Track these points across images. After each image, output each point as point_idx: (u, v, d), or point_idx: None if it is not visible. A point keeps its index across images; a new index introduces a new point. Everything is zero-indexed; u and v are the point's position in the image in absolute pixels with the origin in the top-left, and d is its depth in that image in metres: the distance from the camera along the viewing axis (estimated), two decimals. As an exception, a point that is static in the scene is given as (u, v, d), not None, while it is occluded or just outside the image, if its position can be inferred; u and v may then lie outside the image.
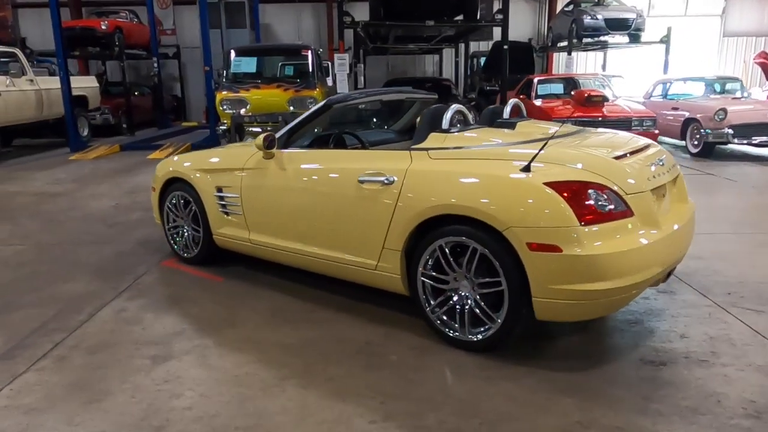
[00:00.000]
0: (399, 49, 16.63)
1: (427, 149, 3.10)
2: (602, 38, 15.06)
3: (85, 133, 12.91)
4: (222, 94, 9.65)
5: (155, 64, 15.56)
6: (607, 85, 10.54)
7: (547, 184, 2.60)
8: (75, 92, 12.44)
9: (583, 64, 19.35)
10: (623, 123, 8.87)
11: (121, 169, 9.30)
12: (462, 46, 17.78)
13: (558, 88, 10.54)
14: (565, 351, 2.97)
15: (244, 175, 3.81)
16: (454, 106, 3.34)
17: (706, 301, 3.56)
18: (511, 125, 3.59)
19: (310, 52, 10.18)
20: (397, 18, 8.86)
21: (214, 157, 4.13)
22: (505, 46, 8.93)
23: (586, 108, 9.15)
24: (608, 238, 2.59)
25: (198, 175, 4.11)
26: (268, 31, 18.91)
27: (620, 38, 15.08)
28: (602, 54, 18.60)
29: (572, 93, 9.82)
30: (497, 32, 18.37)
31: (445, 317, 3.00)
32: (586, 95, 9.24)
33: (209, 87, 11.01)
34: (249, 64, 10.08)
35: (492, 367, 2.81)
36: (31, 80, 11.10)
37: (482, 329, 2.87)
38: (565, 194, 2.58)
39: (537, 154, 2.72)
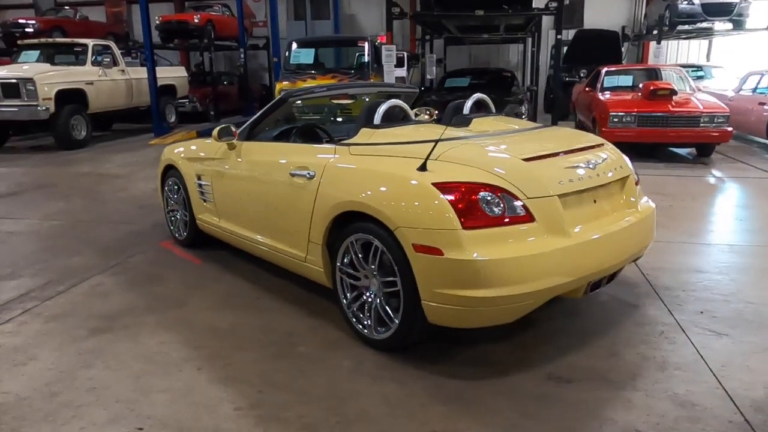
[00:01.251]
0: (479, 38, 16.26)
1: (350, 144, 3.09)
2: (701, 25, 13.79)
3: (173, 119, 13.96)
4: (281, 84, 10.02)
5: (242, 55, 16.40)
6: (684, 77, 9.66)
7: (435, 184, 2.52)
8: (164, 81, 13.51)
9: (685, 53, 17.79)
10: (690, 119, 8.12)
11: (187, 154, 9.97)
12: (548, 34, 17.03)
13: (627, 80, 9.82)
14: (476, 358, 2.86)
15: (214, 163, 4.01)
16: (390, 101, 3.30)
17: (668, 318, 3.25)
18: (466, 122, 3.48)
19: (366, 43, 10.28)
20: (448, 8, 8.69)
21: (198, 145, 4.37)
22: (559, 36, 8.44)
23: (652, 102, 8.46)
24: (495, 244, 2.46)
25: (185, 162, 4.38)
26: (353, 21, 19.25)
27: (723, 25, 13.73)
28: (707, 42, 17.02)
29: (640, 86, 9.12)
30: (587, 19, 17.43)
31: (359, 313, 3.00)
32: (651, 88, 8.55)
33: (276, 77, 11.48)
34: (307, 55, 10.38)
35: (390, 367, 2.78)
36: (123, 70, 12.16)
37: (384, 329, 2.84)
38: (452, 196, 2.48)
39: (430, 152, 2.64)
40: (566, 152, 2.85)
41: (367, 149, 2.99)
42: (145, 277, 4.05)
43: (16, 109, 10.01)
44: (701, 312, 3.32)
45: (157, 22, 15.86)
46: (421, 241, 2.51)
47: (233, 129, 3.78)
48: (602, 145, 3.14)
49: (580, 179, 2.73)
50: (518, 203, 2.53)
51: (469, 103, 3.71)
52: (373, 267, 2.83)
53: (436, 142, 2.69)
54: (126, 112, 12.70)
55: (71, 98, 10.65)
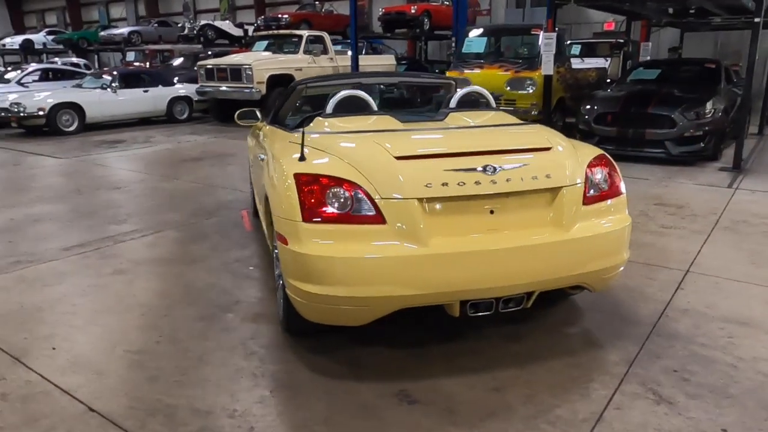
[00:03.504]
0: (730, 24, 13.76)
1: (296, 132, 3.19)
2: None
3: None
4: (449, 73, 10.09)
5: (453, 44, 16.70)
6: None
7: (296, 174, 2.51)
8: (370, 69, 14.62)
9: None
10: None
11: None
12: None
13: None
14: (357, 358, 2.76)
15: (253, 144, 4.44)
16: (346, 92, 3.27)
17: (620, 368, 2.64)
18: (443, 115, 3.28)
19: (540, 31, 9.65)
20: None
21: (255, 128, 4.85)
22: (757, 20, 6.71)
23: None
24: (334, 240, 2.37)
25: (251, 143, 4.92)
26: (578, 8, 17.94)
27: None
28: None
29: None
30: None
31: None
32: None
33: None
34: (479, 44, 10.19)
35: (276, 347, 2.88)
36: (331, 58, 13.54)
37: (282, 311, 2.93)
38: (304, 187, 2.45)
39: (302, 143, 2.61)
40: (466, 154, 2.52)
41: (297, 137, 3.05)
42: (198, 236, 4.72)
43: (237, 90, 11.99)
44: (675, 371, 2.62)
45: (380, 13, 17.15)
46: (280, 229, 2.55)
47: (257, 113, 4.14)
48: (546, 149, 2.66)
49: (461, 184, 2.41)
50: (370, 202, 2.38)
51: (457, 96, 3.46)
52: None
53: (303, 133, 2.65)
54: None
55: (282, 82, 12.29)
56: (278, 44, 13.56)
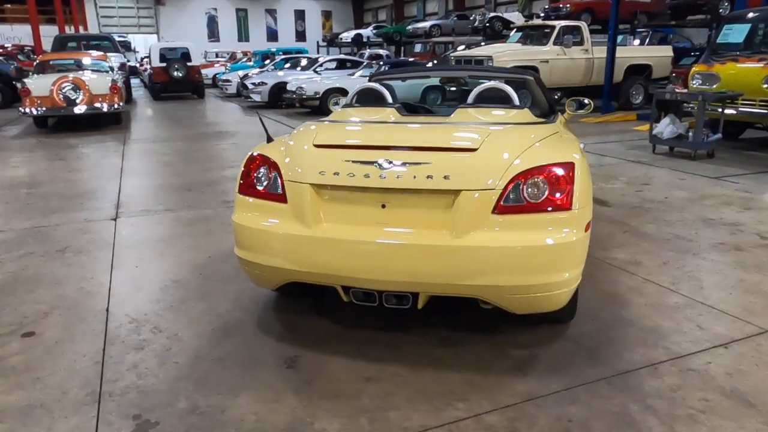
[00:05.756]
0: None
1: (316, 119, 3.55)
2: None
3: (638, 100, 13.58)
4: (696, 67, 8.66)
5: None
6: None
7: (252, 154, 2.91)
8: (638, 61, 13.34)
9: None
10: None
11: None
12: None
13: None
14: (296, 324, 3.07)
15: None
16: (364, 85, 3.44)
17: (508, 399, 2.37)
18: (449, 110, 3.26)
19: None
20: None
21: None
22: None
23: None
24: (251, 213, 2.76)
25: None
26: None
27: None
28: None
29: None
30: None
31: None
32: None
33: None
34: (738, 33, 8.34)
35: (256, 298, 3.38)
36: (586, 50, 12.76)
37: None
38: (250, 165, 2.85)
39: (265, 129, 2.96)
40: (375, 147, 2.56)
41: (307, 125, 3.41)
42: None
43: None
44: (570, 420, 2.23)
45: None
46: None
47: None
48: (471, 150, 2.48)
49: (351, 176, 2.48)
50: (281, 183, 2.67)
51: (475, 92, 3.30)
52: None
53: (261, 120, 2.98)
54: (587, 89, 13.27)
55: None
56: (536, 36, 13.39)
